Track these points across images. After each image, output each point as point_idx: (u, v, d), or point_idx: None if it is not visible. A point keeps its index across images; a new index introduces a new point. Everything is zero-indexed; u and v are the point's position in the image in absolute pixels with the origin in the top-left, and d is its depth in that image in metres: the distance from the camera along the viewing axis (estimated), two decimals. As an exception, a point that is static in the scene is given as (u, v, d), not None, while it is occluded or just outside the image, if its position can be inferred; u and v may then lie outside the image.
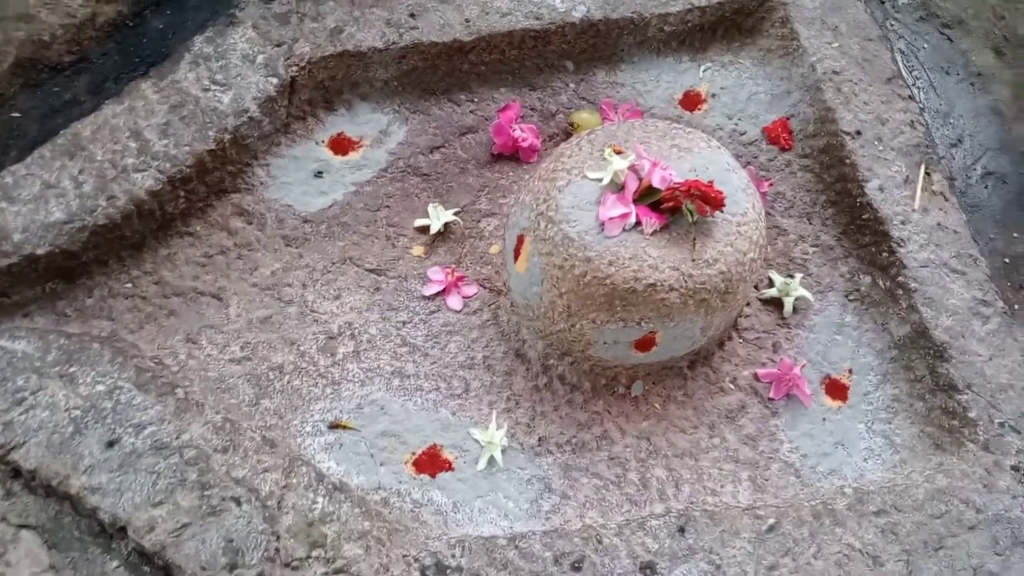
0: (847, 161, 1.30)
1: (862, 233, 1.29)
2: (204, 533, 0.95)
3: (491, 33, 1.32)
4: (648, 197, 1.05)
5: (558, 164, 1.11)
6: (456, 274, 1.21)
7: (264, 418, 1.09)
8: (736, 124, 1.40)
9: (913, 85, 1.41)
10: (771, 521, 1.04)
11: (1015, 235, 1.32)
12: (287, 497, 0.98)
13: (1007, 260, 1.30)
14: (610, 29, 1.38)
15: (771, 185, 1.35)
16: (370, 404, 1.13)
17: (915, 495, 1.07)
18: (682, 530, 1.03)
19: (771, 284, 1.27)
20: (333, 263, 1.22)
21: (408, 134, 1.33)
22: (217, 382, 1.12)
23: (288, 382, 1.13)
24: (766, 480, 1.13)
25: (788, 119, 1.40)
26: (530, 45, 1.36)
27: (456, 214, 1.26)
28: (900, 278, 1.23)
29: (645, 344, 1.10)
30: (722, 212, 1.05)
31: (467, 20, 1.32)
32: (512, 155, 1.33)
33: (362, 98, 1.34)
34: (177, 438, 1.00)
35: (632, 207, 1.04)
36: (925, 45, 1.42)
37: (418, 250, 1.25)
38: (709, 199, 1.01)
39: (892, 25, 1.46)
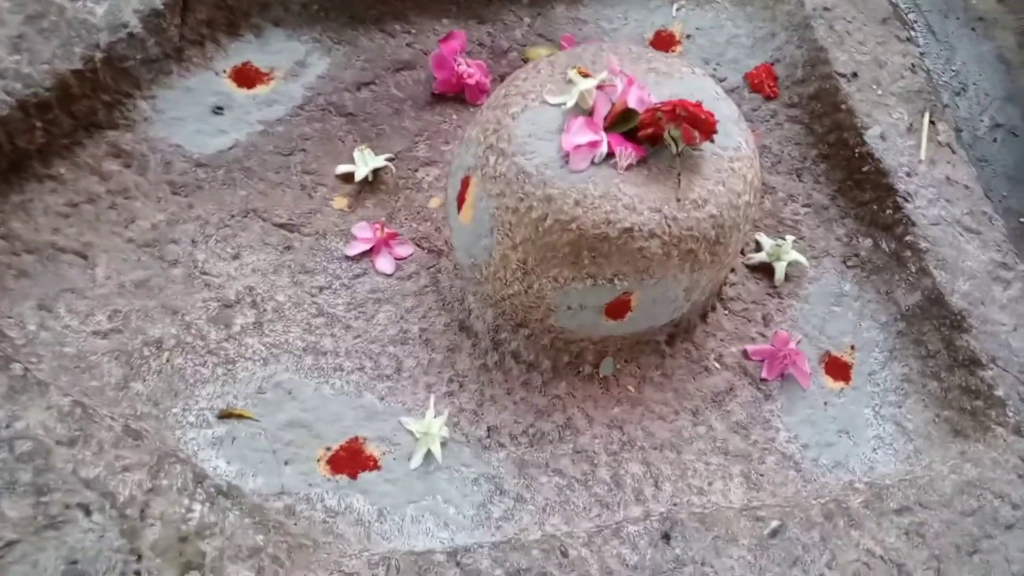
0: (843, 107, 1.13)
1: (861, 189, 1.11)
2: (38, 554, 0.71)
3: (430, -50, 1.11)
4: (622, 124, 0.84)
5: (511, 88, 0.90)
6: (387, 231, 0.99)
7: (133, 405, 0.85)
8: (715, 70, 1.21)
9: (911, 27, 1.25)
10: (774, 524, 0.84)
11: (1030, 193, 1.17)
12: (153, 504, 0.74)
13: (1023, 220, 1.14)
14: (570, -45, 1.19)
15: (757, 137, 1.17)
16: (274, 388, 0.89)
17: (941, 489, 0.89)
18: (667, 537, 0.82)
19: (759, 248, 1.08)
20: (232, 216, 0.99)
21: (330, 67, 1.11)
22: (75, 359, 0.87)
23: (167, 360, 0.89)
24: (761, 475, 0.94)
25: (773, 64, 1.22)
26: (476, -31, 1.16)
27: (389, 160, 1.04)
28: (908, 238, 1.05)
29: (618, 309, 0.89)
30: (712, 143, 0.85)
31: (401, -67, 1.11)
32: (456, 95, 1.12)
33: (275, 23, 1.11)
34: (7, 427, 0.75)
35: (603, 134, 0.83)
36: (920, -14, 1.27)
37: (340, 202, 1.02)
38: (698, 123, 0.82)
39: (884, -36, 1.30)
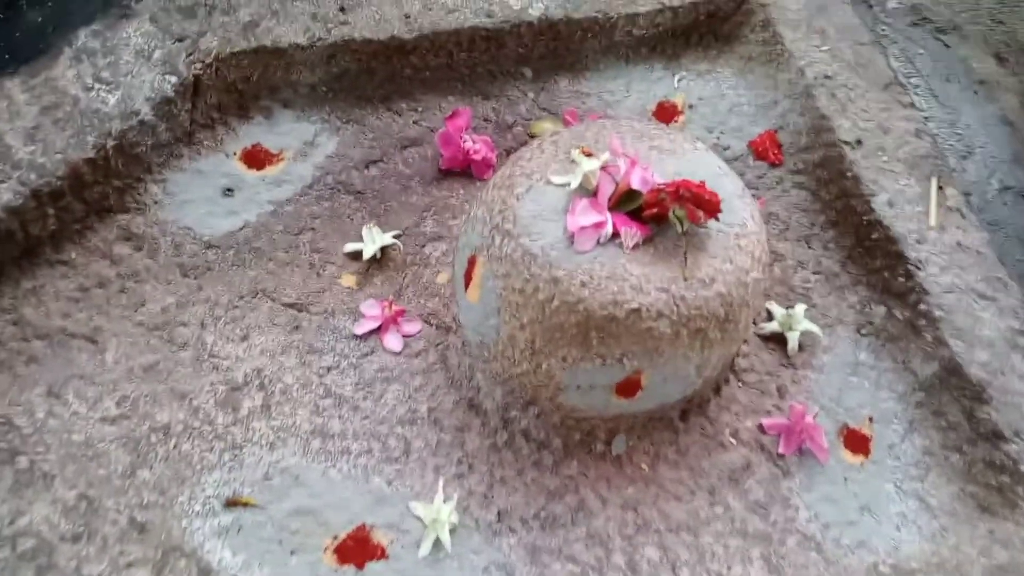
0: (848, 174, 1.13)
1: (871, 256, 1.10)
2: (38, 657, 0.69)
3: (435, 31, 1.14)
4: (627, 203, 0.85)
5: (516, 169, 0.91)
6: (395, 308, 0.99)
7: (140, 494, 0.84)
8: (718, 138, 1.22)
9: (913, 93, 1.25)
10: (796, 612, 0.81)
11: (1046, 257, 1.16)
12: (156, 602, 0.73)
13: (1039, 285, 1.13)
14: (572, 31, 1.21)
15: (763, 205, 1.17)
16: (281, 473, 0.88)
17: (971, 575, 0.86)
18: (685, 628, 0.79)
19: (770, 317, 1.07)
20: (241, 297, 0.99)
21: (339, 146, 1.12)
22: (82, 447, 0.86)
23: (175, 446, 0.88)
24: (782, 558, 0.91)
25: (776, 131, 1.23)
26: (481, 47, 1.18)
27: (396, 237, 1.05)
28: (922, 306, 1.04)
29: (628, 388, 0.88)
30: (717, 221, 0.85)
31: (407, 16, 1.14)
32: (463, 170, 1.13)
33: (284, 105, 1.13)
34: (11, 523, 0.74)
35: (608, 215, 0.83)
36: (921, 51, 1.28)
37: (349, 280, 1.02)
38: (702, 203, 0.81)
39: (883, 30, 1.31)
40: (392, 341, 0.98)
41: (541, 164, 0.90)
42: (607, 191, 0.85)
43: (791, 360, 1.05)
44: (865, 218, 1.10)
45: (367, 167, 1.11)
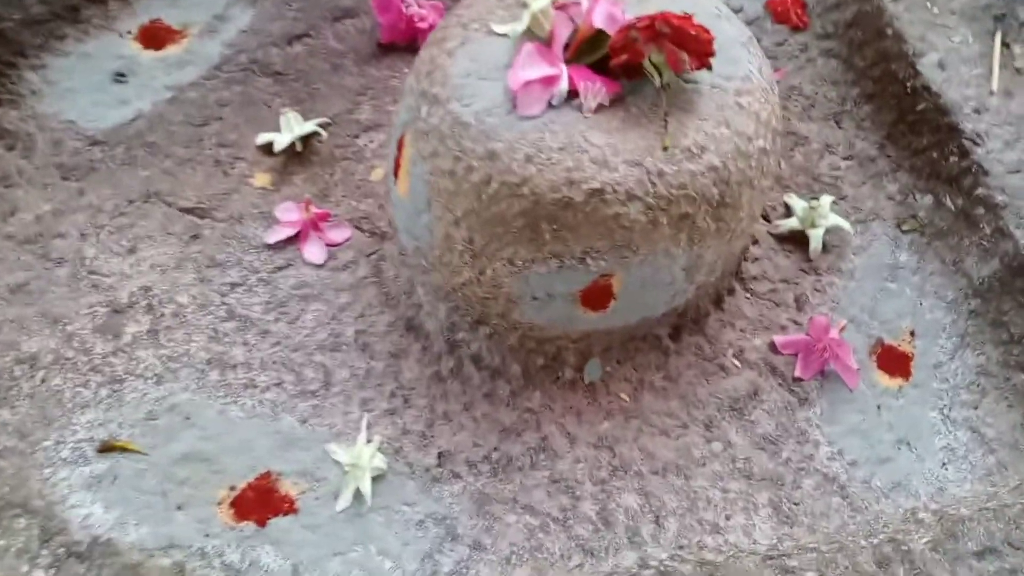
0: (888, 31, 0.90)
1: (916, 133, 0.88)
2: None
3: None
4: (589, 52, 0.64)
5: (451, 20, 0.70)
6: (317, 210, 0.80)
7: (-7, 439, 0.68)
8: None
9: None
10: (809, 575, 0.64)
11: None
12: (-20, 575, 0.57)
13: None
14: None
15: (782, 77, 0.95)
16: (169, 412, 0.71)
17: (1040, 521, 0.67)
18: (666, 598, 0.62)
19: (788, 213, 0.86)
20: (130, 202, 0.82)
21: (256, 19, 0.93)
22: (-71, 385, 0.71)
23: (42, 381, 0.72)
24: (796, 504, 0.73)
25: (800, -12, 1.00)
26: None
27: (323, 127, 0.85)
28: (979, 191, 0.82)
29: (597, 297, 0.69)
30: (710, 71, 0.64)
31: None
32: (408, 44, 0.92)
33: (190, -28, 0.93)
34: None
35: (563, 67, 0.63)
36: None
37: (262, 179, 0.84)
38: (687, 42, 0.61)
39: None
40: (313, 251, 0.79)
41: (483, 11, 0.69)
42: (563, 37, 0.64)
43: (813, 264, 0.85)
44: (909, 85, 0.88)
45: (290, 43, 0.92)
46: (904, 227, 0.88)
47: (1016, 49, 0.90)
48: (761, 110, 0.66)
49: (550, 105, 0.63)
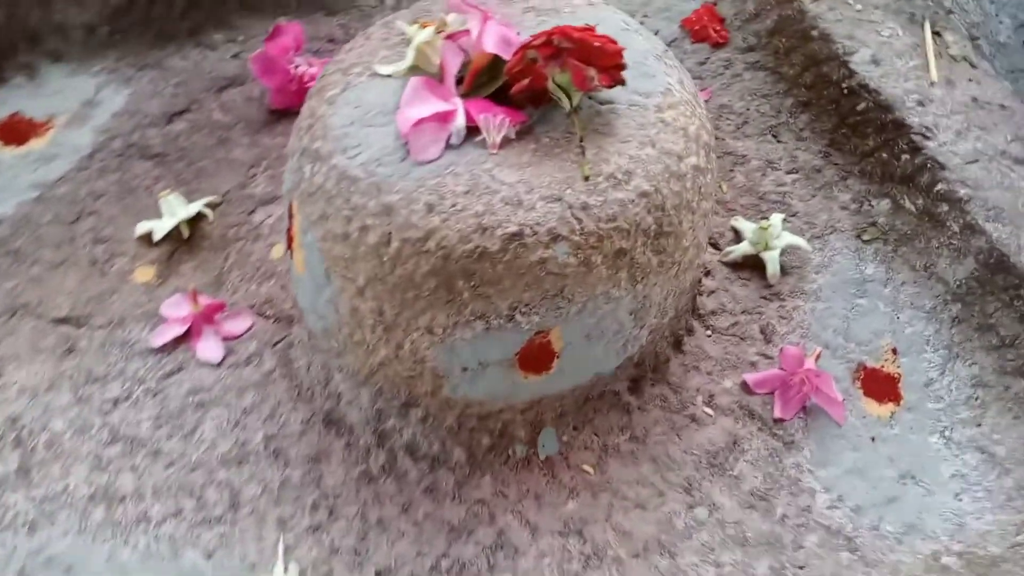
0: (814, 33, 0.84)
1: (861, 136, 0.82)
2: None
3: (238, -70, 0.85)
4: (486, 83, 0.56)
5: (331, 68, 0.62)
6: (209, 301, 0.70)
7: None
8: (643, 21, 0.93)
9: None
10: (834, 658, 0.53)
11: (1088, 102, 0.87)
12: None
13: (1089, 137, 0.85)
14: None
15: (709, 96, 0.88)
16: (46, 566, 0.59)
17: (1082, 550, 0.57)
18: None
19: (738, 238, 0.79)
20: (-9, 319, 0.70)
21: (131, 100, 0.84)
22: None
23: None
24: (801, 568, 0.62)
25: (714, 3, 0.94)
26: (309, -53, 0.89)
27: (211, 206, 0.76)
28: (940, 187, 0.75)
29: (536, 358, 0.59)
30: (624, 86, 0.56)
31: (197, -85, 0.85)
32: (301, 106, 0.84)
33: (53, 58, 0.85)
34: None
35: (457, 101, 0.55)
36: None
37: (145, 274, 0.73)
38: (592, 55, 0.53)
39: None
40: (208, 349, 0.69)
41: (364, 54, 0.61)
42: (454, 69, 0.56)
43: (774, 289, 0.77)
44: (845, 86, 0.82)
45: (170, 121, 0.83)
46: (865, 237, 0.80)
47: (948, 37, 0.85)
48: (688, 124, 0.58)
49: (448, 145, 0.54)
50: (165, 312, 0.70)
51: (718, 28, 0.93)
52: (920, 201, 0.77)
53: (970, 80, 0.82)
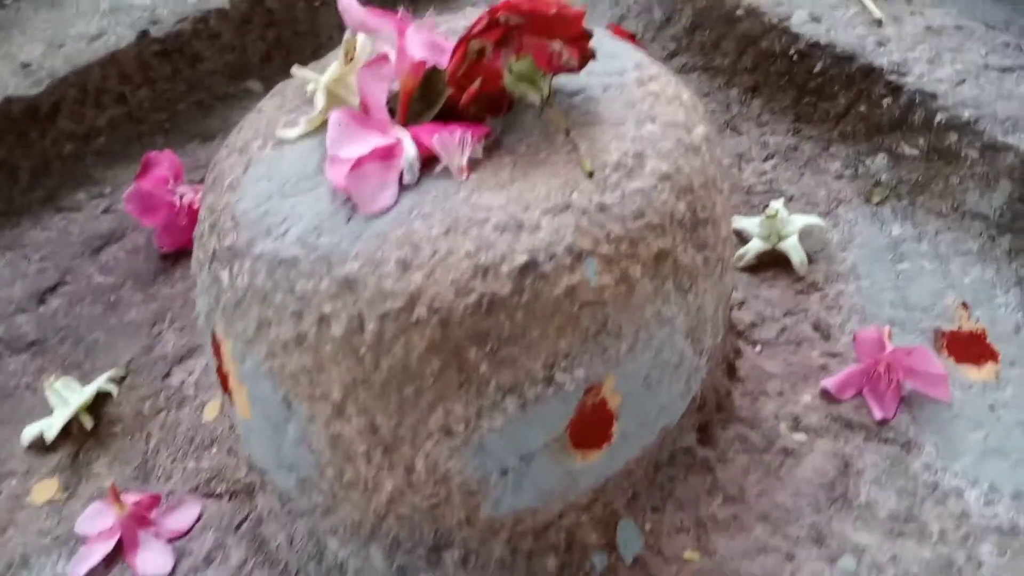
0: (739, 13, 0.78)
1: (828, 98, 0.74)
2: None
3: (76, 70, 0.73)
4: (427, 104, 0.44)
5: (223, 154, 0.49)
6: (135, 500, 0.52)
7: None
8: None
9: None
10: None
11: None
12: None
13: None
14: (290, 5, 0.83)
15: (649, 108, 0.79)
16: None
17: None
18: None
19: (743, 239, 0.67)
20: None
21: (-14, 291, 0.67)
22: None
23: None
24: (994, 589, 0.48)
25: (620, 23, 0.88)
26: (165, 71, 0.78)
27: (115, 381, 0.59)
28: (939, 117, 0.67)
29: (592, 427, 0.44)
30: (594, 60, 0.45)
31: (26, 64, 0.72)
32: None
33: None
34: None
35: (398, 130, 0.42)
36: None
37: (44, 491, 0.55)
38: (552, 26, 0.42)
39: None
40: (151, 560, 0.50)
41: (260, 127, 0.48)
42: (381, 100, 0.44)
43: (807, 280, 0.65)
44: (793, 52, 0.74)
45: (41, 301, 0.66)
46: (874, 199, 0.71)
47: (872, -20, 0.80)
48: (679, 92, 0.48)
49: (402, 185, 0.41)
50: (82, 530, 0.52)
51: (633, 43, 0.85)
52: (921, 141, 0.69)
53: (912, 13, 0.76)
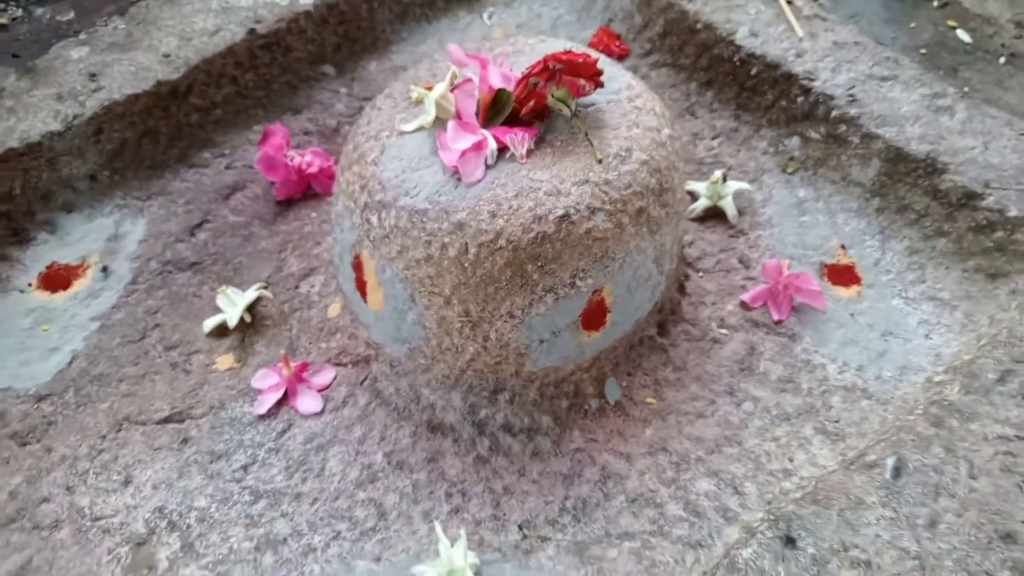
0: (699, 26, 1.04)
1: (760, 94, 1.01)
2: None
3: (204, 60, 0.97)
4: (498, 110, 0.70)
5: (358, 139, 0.75)
6: (293, 365, 0.79)
7: None
8: (555, 53, 1.11)
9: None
10: (891, 462, 0.68)
11: (912, 25, 1.11)
12: None
13: (923, 51, 1.07)
14: (356, 7, 1.07)
15: (630, 96, 1.06)
16: (240, 613, 0.67)
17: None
18: (790, 541, 0.64)
19: (694, 198, 0.95)
20: (103, 436, 0.77)
21: (150, 226, 0.93)
22: None
23: None
24: (836, 422, 0.78)
25: (608, 24, 1.13)
26: (265, 59, 1.02)
27: (262, 289, 0.86)
28: (834, 113, 0.95)
29: (596, 316, 0.73)
30: (602, 87, 0.72)
31: (166, 55, 0.96)
32: (305, 193, 0.96)
33: (66, 210, 0.93)
34: None
35: (484, 132, 0.69)
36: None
37: (226, 361, 0.82)
38: (579, 69, 0.68)
39: None
40: (307, 403, 0.78)
41: (384, 121, 0.75)
42: (470, 108, 0.70)
43: (738, 227, 0.94)
44: (737, 58, 1.01)
45: (192, 234, 0.92)
46: (788, 170, 0.99)
47: (798, 2, 1.07)
48: (654, 105, 0.75)
49: (487, 166, 0.68)
50: (257, 385, 0.79)
51: (618, 44, 1.11)
52: (823, 129, 0.97)
53: (826, 30, 1.03)
